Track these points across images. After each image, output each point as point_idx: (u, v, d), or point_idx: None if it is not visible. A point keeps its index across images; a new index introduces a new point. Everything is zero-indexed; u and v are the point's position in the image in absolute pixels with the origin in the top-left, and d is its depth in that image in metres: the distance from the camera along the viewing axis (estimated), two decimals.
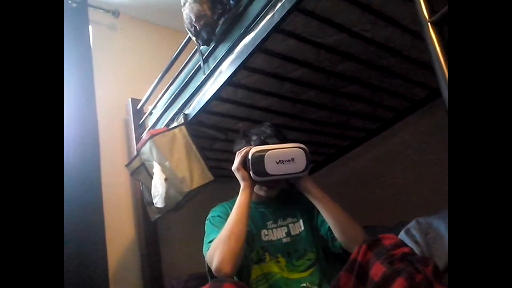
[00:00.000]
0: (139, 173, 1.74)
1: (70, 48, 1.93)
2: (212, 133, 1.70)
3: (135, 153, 1.78)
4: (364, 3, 1.14)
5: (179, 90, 1.66)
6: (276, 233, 1.20)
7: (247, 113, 1.61)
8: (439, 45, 0.63)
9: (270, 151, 1.06)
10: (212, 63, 1.45)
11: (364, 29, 1.25)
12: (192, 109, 1.55)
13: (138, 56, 2.40)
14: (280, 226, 1.21)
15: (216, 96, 1.44)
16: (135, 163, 1.74)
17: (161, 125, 1.79)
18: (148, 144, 1.60)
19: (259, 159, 1.06)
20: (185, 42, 1.68)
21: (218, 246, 1.03)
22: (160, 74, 1.89)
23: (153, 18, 2.55)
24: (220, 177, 1.62)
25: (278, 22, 1.14)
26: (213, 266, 1.01)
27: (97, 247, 1.70)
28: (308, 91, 1.54)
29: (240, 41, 1.30)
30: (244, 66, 1.31)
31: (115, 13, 2.36)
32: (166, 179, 1.55)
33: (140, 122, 2.06)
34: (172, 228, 2.02)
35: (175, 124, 1.61)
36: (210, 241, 1.10)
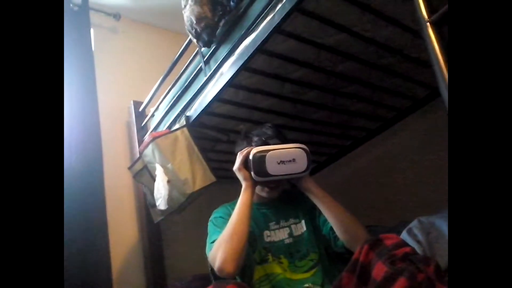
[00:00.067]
0: (142, 176, 1.74)
1: (72, 52, 1.94)
2: (214, 134, 1.70)
3: (138, 155, 1.79)
4: (364, 3, 1.15)
5: (180, 92, 1.67)
6: (278, 234, 1.20)
7: (248, 114, 1.61)
8: (438, 45, 0.63)
9: (271, 151, 1.07)
10: (213, 65, 1.46)
11: (364, 29, 1.26)
12: (194, 111, 1.56)
13: (139, 59, 2.41)
14: (282, 227, 1.21)
15: (217, 98, 1.45)
16: (138, 166, 1.75)
17: (163, 127, 1.80)
18: (150, 147, 1.61)
19: (260, 159, 1.06)
20: (186, 44, 1.69)
21: (221, 246, 1.03)
22: (162, 77, 1.90)
23: (154, 21, 2.56)
24: (222, 178, 1.62)
25: (278, 23, 1.14)
26: (216, 266, 1.02)
27: (100, 249, 1.71)
28: (308, 91, 1.55)
29: (241, 43, 1.30)
30: (245, 67, 1.31)
31: (116, 16, 2.37)
32: (168, 181, 1.55)
33: (142, 125, 2.07)
34: (175, 229, 2.02)
35: (177, 126, 1.62)
36: (213, 242, 1.10)
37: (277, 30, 1.17)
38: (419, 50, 1.38)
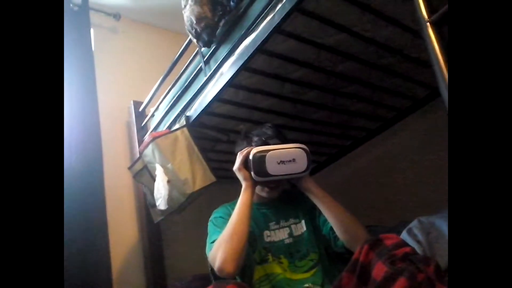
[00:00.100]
0: (142, 176, 1.75)
1: (72, 52, 1.94)
2: (214, 134, 1.70)
3: (138, 155, 1.79)
4: (364, 3, 1.15)
5: (180, 92, 1.67)
6: (278, 234, 1.20)
7: (248, 114, 1.61)
8: (438, 45, 0.63)
9: (271, 151, 1.07)
10: (213, 65, 1.46)
11: (364, 29, 1.26)
12: (194, 111, 1.56)
13: (139, 59, 2.41)
14: (282, 227, 1.21)
15: (217, 98, 1.45)
16: (138, 166, 1.75)
17: (163, 127, 1.80)
18: (150, 147, 1.61)
19: (260, 159, 1.06)
20: (186, 44, 1.69)
21: (221, 245, 1.03)
22: (162, 77, 1.90)
23: (154, 21, 2.56)
24: (223, 178, 1.62)
25: (278, 23, 1.14)
26: (216, 265, 1.02)
27: (100, 249, 1.71)
28: (308, 91, 1.55)
29: (241, 43, 1.30)
30: (245, 68, 1.31)
31: (116, 16, 2.37)
32: (168, 181, 1.55)
33: (142, 125, 2.07)
34: (175, 229, 2.02)
35: (177, 126, 1.62)
36: (213, 242, 1.10)
37: (277, 30, 1.17)
38: (419, 50, 1.38)
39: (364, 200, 2.08)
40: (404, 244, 0.83)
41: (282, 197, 1.27)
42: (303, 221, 1.22)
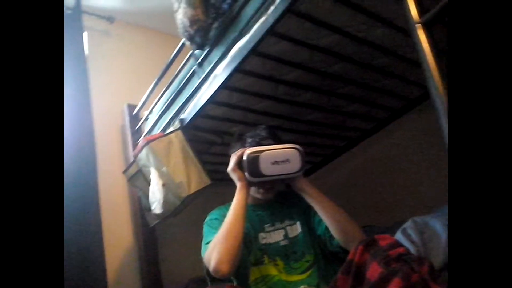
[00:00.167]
0: (137, 180, 1.74)
1: (65, 55, 1.93)
2: (208, 137, 1.70)
3: (132, 159, 1.78)
4: (356, 3, 1.15)
5: (174, 95, 1.67)
6: (274, 236, 1.20)
7: (243, 116, 1.61)
8: (428, 46, 0.64)
9: (265, 152, 1.07)
10: (206, 67, 1.45)
11: (357, 30, 1.26)
12: (188, 114, 1.56)
13: (133, 61, 2.41)
14: (278, 229, 1.21)
15: (211, 100, 1.45)
16: (132, 170, 1.74)
17: (157, 130, 1.79)
18: (144, 150, 1.60)
19: (254, 160, 1.06)
20: (180, 46, 1.69)
21: (215, 246, 1.03)
22: (156, 79, 1.90)
23: (147, 23, 2.55)
24: (218, 181, 1.62)
25: (271, 25, 1.15)
26: (211, 266, 1.01)
27: (95, 253, 1.69)
28: (303, 93, 1.55)
29: (234, 45, 1.30)
30: (238, 70, 1.31)
31: (110, 19, 2.37)
32: (163, 185, 1.55)
33: (137, 128, 2.07)
34: (170, 232, 2.02)
35: (171, 129, 1.62)
36: (208, 243, 1.10)
37: (271, 32, 1.18)
38: (413, 50, 1.38)
39: (360, 200, 2.09)
40: (398, 244, 0.83)
41: (277, 199, 1.27)
42: (298, 223, 1.21)
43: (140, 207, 1.83)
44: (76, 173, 1.76)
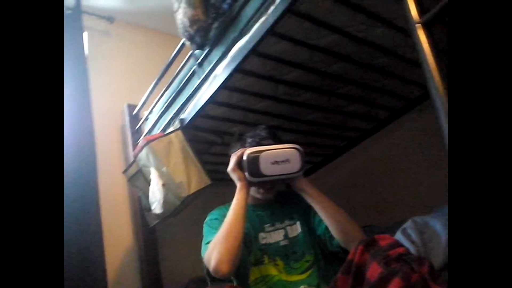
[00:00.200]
0: (137, 180, 1.74)
1: (65, 55, 1.93)
2: (208, 137, 1.70)
3: (132, 159, 1.78)
4: (356, 3, 1.15)
5: (174, 95, 1.67)
6: (274, 236, 1.20)
7: (243, 116, 1.61)
8: (428, 46, 0.64)
9: (265, 152, 1.07)
10: (206, 67, 1.45)
11: (357, 30, 1.26)
12: (188, 114, 1.56)
13: (133, 61, 2.41)
14: (278, 229, 1.21)
15: (211, 100, 1.45)
16: (132, 170, 1.74)
17: (157, 130, 1.79)
18: (144, 150, 1.60)
19: (254, 160, 1.06)
20: (180, 46, 1.69)
21: (215, 246, 1.03)
22: (156, 79, 1.90)
23: (147, 23, 2.55)
24: (218, 181, 1.62)
25: (271, 25, 1.15)
26: (211, 266, 1.01)
27: (95, 253, 1.69)
28: (303, 92, 1.55)
29: (234, 45, 1.30)
30: (238, 70, 1.31)
31: (110, 19, 2.37)
32: (163, 185, 1.55)
33: (137, 128, 2.07)
34: (170, 232, 2.02)
35: (171, 129, 1.62)
36: (208, 243, 1.10)
37: (270, 32, 1.18)
38: (413, 50, 1.38)
39: (360, 200, 2.09)
40: (398, 244, 0.83)
41: (277, 199, 1.27)
42: (298, 223, 1.21)
43: (140, 207, 1.84)
44: (76, 173, 1.75)
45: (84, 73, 2.00)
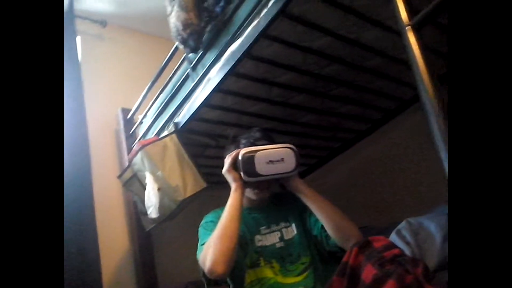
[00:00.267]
0: (132, 184, 1.73)
1: None
2: (203, 140, 1.70)
3: (127, 163, 1.78)
4: (347, 5, 1.16)
5: (168, 99, 1.66)
6: (269, 238, 1.20)
7: (237, 119, 1.61)
8: (418, 49, 0.64)
9: (259, 151, 1.07)
10: (200, 71, 1.45)
11: (349, 32, 1.27)
12: (182, 117, 1.56)
13: (127, 65, 2.40)
14: (273, 231, 1.21)
15: (205, 103, 1.45)
16: (127, 174, 1.73)
17: (151, 134, 1.79)
18: (139, 155, 1.60)
19: (249, 159, 1.06)
20: (173, 50, 1.69)
21: (210, 247, 1.03)
22: (149, 83, 1.89)
23: (140, 27, 2.55)
24: (213, 184, 1.62)
25: (264, 28, 1.15)
26: (206, 267, 1.01)
27: (90, 257, 1.68)
28: (296, 95, 1.55)
29: (227, 48, 1.31)
30: (232, 73, 1.32)
31: (103, 23, 2.36)
32: (159, 189, 1.55)
33: (131, 132, 2.06)
34: (166, 236, 2.01)
35: (165, 132, 1.61)
36: (203, 244, 1.10)
37: (263, 35, 1.18)
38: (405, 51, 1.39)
39: (360, 200, 2.09)
40: (392, 246, 0.83)
41: (273, 201, 1.27)
42: (293, 225, 1.21)
43: (136, 211, 1.83)
44: (70, 178, 1.74)
45: (77, 77, 1.99)
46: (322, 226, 1.11)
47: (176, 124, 1.58)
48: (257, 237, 1.19)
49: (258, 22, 1.16)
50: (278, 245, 1.18)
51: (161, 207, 1.55)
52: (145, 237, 1.91)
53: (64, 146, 1.78)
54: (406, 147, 1.96)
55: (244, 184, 1.12)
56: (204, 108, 1.48)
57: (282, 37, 1.23)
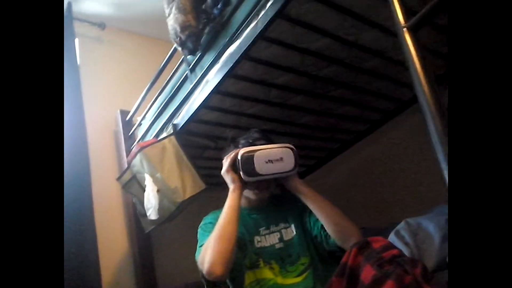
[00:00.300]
0: (131, 186, 1.73)
1: None
2: (202, 141, 1.70)
3: (126, 165, 1.78)
4: (345, 7, 1.16)
5: (167, 100, 1.67)
6: (269, 239, 1.20)
7: (236, 121, 1.62)
8: (414, 50, 0.64)
9: (258, 151, 1.07)
10: (199, 72, 1.46)
11: (347, 33, 1.27)
12: (181, 119, 1.56)
13: (125, 68, 2.41)
14: (273, 232, 1.21)
15: (204, 105, 1.45)
16: (126, 176, 1.73)
17: (150, 136, 1.79)
18: (138, 157, 1.60)
19: (248, 159, 1.06)
20: (171, 52, 1.69)
21: (208, 248, 1.03)
22: (148, 85, 1.90)
23: (139, 29, 2.55)
24: (212, 185, 1.62)
25: (262, 29, 1.15)
26: (204, 268, 1.01)
27: (90, 259, 1.68)
28: (295, 96, 1.56)
29: (226, 50, 1.31)
30: (230, 74, 1.32)
31: (101, 25, 2.36)
32: (158, 191, 1.55)
33: (130, 134, 2.06)
34: (165, 238, 2.01)
35: (164, 134, 1.61)
36: (202, 246, 1.10)
37: (261, 36, 1.18)
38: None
39: (360, 200, 2.09)
40: (391, 246, 0.84)
41: (272, 202, 1.27)
42: (292, 225, 1.22)
43: (135, 213, 1.83)
44: (69, 180, 1.74)
45: (76, 79, 1.99)
46: (322, 226, 1.11)
47: (174, 126, 1.58)
48: (257, 238, 1.19)
49: (256, 24, 1.17)
50: (277, 246, 1.18)
51: (161, 209, 1.55)
52: (144, 239, 1.91)
53: (64, 147, 1.79)
54: (406, 147, 1.96)
55: (244, 185, 1.12)
56: (203, 109, 1.48)
57: (280, 38, 1.24)
